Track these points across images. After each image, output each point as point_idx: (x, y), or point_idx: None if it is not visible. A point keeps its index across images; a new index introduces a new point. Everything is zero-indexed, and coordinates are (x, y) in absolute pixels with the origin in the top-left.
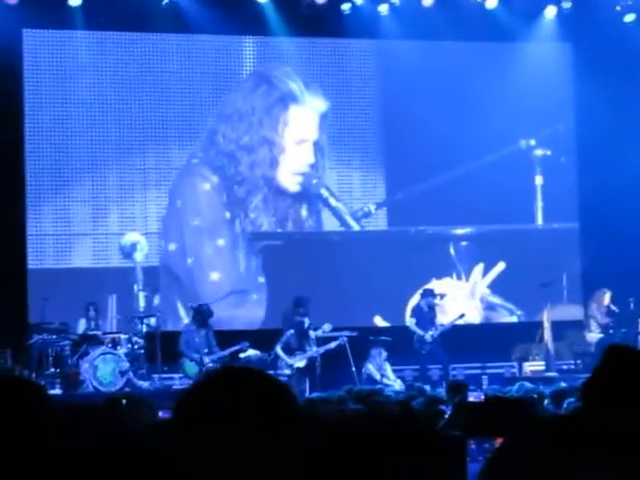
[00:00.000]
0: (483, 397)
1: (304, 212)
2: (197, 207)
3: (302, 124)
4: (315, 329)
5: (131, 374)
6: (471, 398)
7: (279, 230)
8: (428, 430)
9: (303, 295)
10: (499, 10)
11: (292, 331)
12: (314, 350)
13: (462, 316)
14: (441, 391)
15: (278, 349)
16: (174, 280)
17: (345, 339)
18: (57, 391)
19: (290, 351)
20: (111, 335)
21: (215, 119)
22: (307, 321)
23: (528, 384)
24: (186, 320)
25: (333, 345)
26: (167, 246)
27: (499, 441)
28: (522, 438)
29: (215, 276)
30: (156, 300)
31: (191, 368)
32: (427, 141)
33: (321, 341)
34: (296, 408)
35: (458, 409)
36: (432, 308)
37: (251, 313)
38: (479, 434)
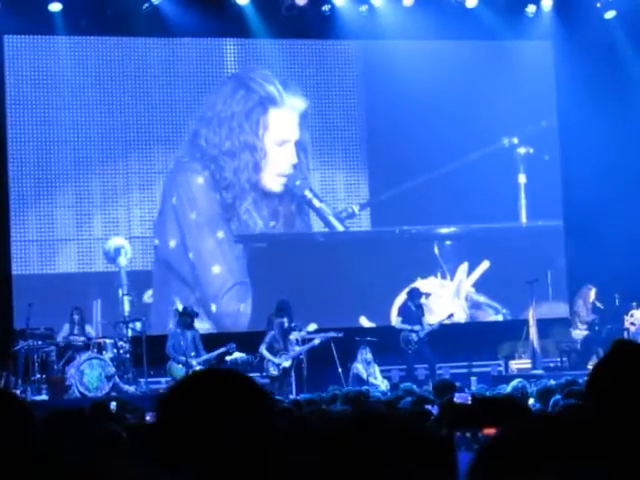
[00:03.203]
0: (470, 398)
1: (289, 213)
2: (193, 201)
3: (282, 125)
4: (300, 330)
5: (117, 379)
6: (455, 399)
7: (262, 231)
8: (417, 430)
9: (284, 299)
10: (480, 9)
11: (273, 332)
12: (298, 349)
13: (451, 316)
14: (427, 389)
15: (263, 350)
16: (173, 278)
17: (329, 337)
18: (43, 397)
19: (274, 351)
20: (97, 340)
21: (196, 121)
22: (287, 321)
23: (524, 381)
24: None
25: (317, 342)
26: (165, 244)
27: (486, 431)
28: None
29: (217, 269)
30: (149, 299)
31: (178, 371)
32: (410, 141)
33: (306, 342)
34: (276, 412)
35: (445, 409)
36: (419, 307)
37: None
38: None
